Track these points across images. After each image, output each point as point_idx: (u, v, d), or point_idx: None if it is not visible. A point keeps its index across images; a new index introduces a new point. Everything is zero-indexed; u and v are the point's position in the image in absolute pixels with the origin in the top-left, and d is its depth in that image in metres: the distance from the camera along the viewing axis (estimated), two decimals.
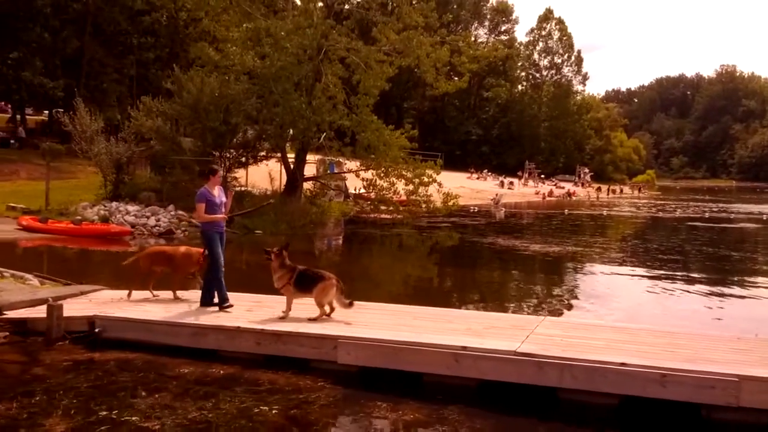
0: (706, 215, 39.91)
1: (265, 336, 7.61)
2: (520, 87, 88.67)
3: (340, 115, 23.96)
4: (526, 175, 69.25)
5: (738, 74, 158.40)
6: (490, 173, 67.89)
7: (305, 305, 8.31)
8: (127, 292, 9.61)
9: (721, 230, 30.93)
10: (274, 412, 6.14)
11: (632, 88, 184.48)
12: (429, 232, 25.22)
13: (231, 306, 8.63)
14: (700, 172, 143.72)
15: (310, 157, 28.69)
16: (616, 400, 6.35)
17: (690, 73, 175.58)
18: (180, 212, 21.42)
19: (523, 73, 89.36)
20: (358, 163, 26.30)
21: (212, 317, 8.25)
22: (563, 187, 63.52)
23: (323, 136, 25.41)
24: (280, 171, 27.17)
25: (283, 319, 8.08)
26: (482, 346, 6.88)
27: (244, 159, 25.73)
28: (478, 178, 62.88)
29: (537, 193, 56.00)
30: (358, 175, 26.44)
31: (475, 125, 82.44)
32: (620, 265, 18.50)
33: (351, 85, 25.23)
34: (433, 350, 6.90)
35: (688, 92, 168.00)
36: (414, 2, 27.81)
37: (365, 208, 27.57)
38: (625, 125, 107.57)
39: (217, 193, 8.93)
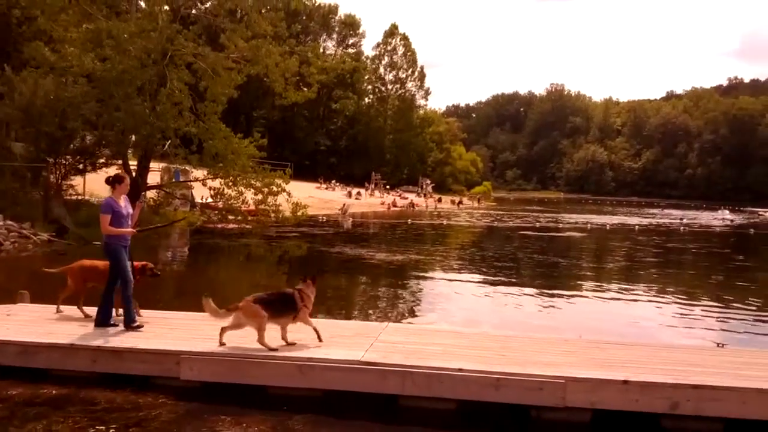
0: (537, 225, 42.48)
1: (103, 353, 7.25)
2: (366, 100, 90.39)
3: (187, 122, 23.27)
4: (373, 186, 70.59)
5: (566, 93, 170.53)
6: (338, 183, 68.59)
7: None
8: None
9: (551, 239, 33.14)
10: (111, 431, 5.91)
11: (470, 104, 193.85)
12: (278, 242, 25.09)
13: (141, 326, 8.05)
14: (531, 184, 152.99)
15: (155, 165, 27.62)
16: (454, 405, 6.67)
17: (523, 91, 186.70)
18: (9, 222, 19.88)
19: (370, 86, 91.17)
20: (205, 172, 25.66)
21: (43, 334, 7.75)
22: (407, 198, 65.29)
23: (168, 144, 24.55)
24: None
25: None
26: (327, 356, 6.99)
27: (81, 166, 24.33)
28: (326, 189, 63.30)
29: (382, 204, 57.18)
30: (205, 184, 25.77)
31: (324, 136, 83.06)
32: (459, 272, 19.36)
33: (198, 91, 24.60)
34: (278, 362, 6.91)
35: (522, 109, 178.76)
36: (263, 11, 27.60)
37: (212, 218, 26.92)
38: (464, 139, 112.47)
39: (124, 203, 8.32)
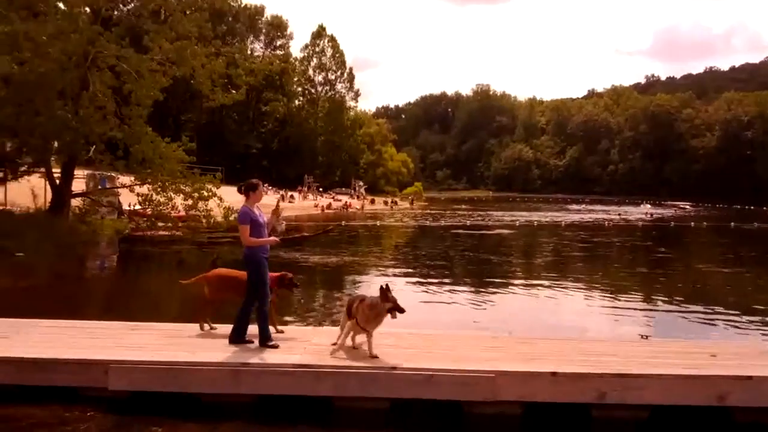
0: (468, 223, 43.12)
1: (25, 365, 6.89)
2: (297, 101, 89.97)
3: (111, 127, 22.67)
4: (306, 189, 70.27)
5: (492, 93, 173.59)
6: (270, 187, 67.95)
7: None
8: None
9: (481, 236, 33.71)
10: None
11: (400, 105, 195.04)
12: (210, 247, 24.63)
13: (277, 345, 7.49)
14: (461, 183, 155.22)
15: (79, 172, 26.76)
16: (388, 404, 6.73)
17: (450, 91, 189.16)
18: None
19: (300, 88, 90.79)
20: (132, 178, 25.01)
21: None
22: (340, 200, 65.30)
23: (93, 149, 23.83)
24: (45, 187, 25.00)
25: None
26: (261, 361, 6.94)
27: (1, 174, 23.37)
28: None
29: (316, 206, 57.01)
30: (132, 191, 25.11)
31: (255, 139, 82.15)
32: (393, 272, 19.45)
33: (122, 94, 23.97)
34: (212, 369, 6.80)
35: (449, 109, 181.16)
36: (187, 12, 27.13)
37: (141, 225, 26.23)
38: (395, 140, 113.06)
39: (258, 212, 7.82)
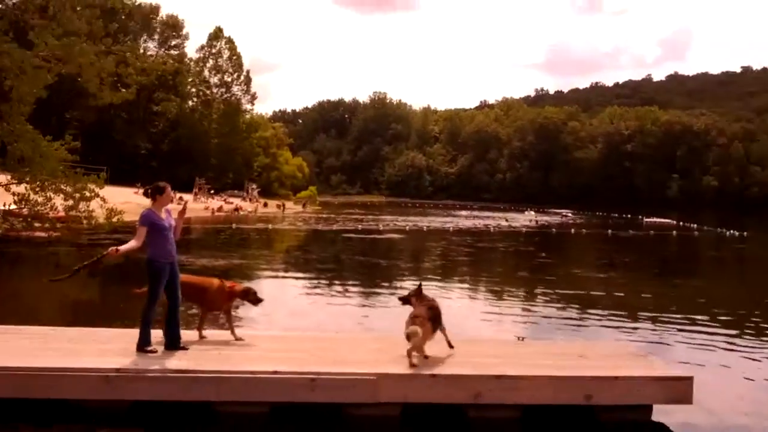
0: (360, 228, 43.39)
1: None
2: (190, 102, 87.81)
3: None
4: (197, 191, 68.56)
5: (388, 101, 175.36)
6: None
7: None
8: None
9: (372, 241, 34.05)
10: None
11: (297, 110, 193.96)
12: (90, 249, 23.68)
13: (155, 351, 7.23)
14: (355, 188, 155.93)
15: None
16: (268, 408, 6.70)
17: (348, 98, 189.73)
18: None
19: (194, 89, 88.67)
20: (8, 177, 23.63)
21: None
22: (232, 203, 64.20)
23: None
24: None
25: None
26: (136, 366, 6.74)
27: None
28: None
29: (207, 209, 55.77)
30: (8, 190, 23.70)
31: (145, 139, 79.54)
32: (283, 275, 19.40)
33: (2, 91, 22.63)
34: (82, 374, 6.53)
35: (346, 115, 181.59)
36: (77, 8, 25.90)
37: (16, 226, 24.79)
38: (291, 144, 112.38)
39: (165, 215, 7.49)
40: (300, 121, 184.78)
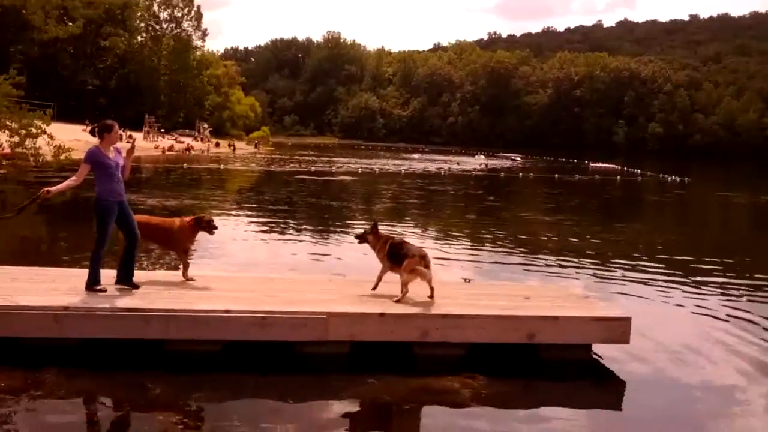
0: (313, 169, 43.29)
1: None
2: (139, 38, 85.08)
3: None
4: (147, 129, 66.98)
5: (342, 41, 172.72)
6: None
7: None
8: None
9: (325, 182, 34.05)
10: None
11: (250, 48, 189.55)
12: (37, 188, 23.09)
13: (104, 290, 7.19)
14: (309, 129, 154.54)
15: None
16: (220, 346, 6.82)
17: (301, 37, 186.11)
18: None
19: (143, 24, 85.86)
20: None
21: None
22: (183, 142, 63.05)
23: None
24: None
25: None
26: (86, 305, 6.74)
27: None
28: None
29: (157, 147, 54.71)
30: None
31: (93, 75, 77.07)
32: (235, 216, 19.34)
33: None
34: (30, 313, 6.49)
35: (300, 55, 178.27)
36: None
37: None
38: (243, 83, 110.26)
39: (113, 154, 7.30)
40: (252, 60, 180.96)
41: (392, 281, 7.82)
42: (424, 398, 6.27)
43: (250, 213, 20.46)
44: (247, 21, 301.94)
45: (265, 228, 17.14)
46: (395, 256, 7.77)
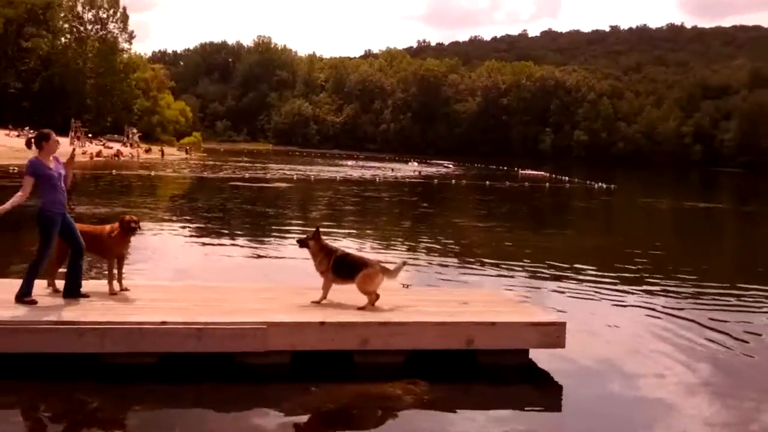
0: (247, 176, 42.87)
1: None
2: (63, 39, 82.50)
3: None
4: (74, 134, 64.90)
5: (273, 46, 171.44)
6: (31, 131, 61.84)
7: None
8: None
9: (259, 189, 33.72)
10: None
11: (178, 51, 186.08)
12: None
13: (35, 302, 6.92)
14: (241, 135, 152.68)
15: None
16: (156, 358, 6.66)
17: (231, 41, 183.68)
18: None
19: (66, 25, 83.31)
20: None
21: None
22: (112, 148, 61.47)
23: None
24: None
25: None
26: (15, 318, 6.49)
27: None
28: (18, 136, 56.82)
29: (85, 153, 53.08)
30: None
31: (14, 78, 74.52)
32: (168, 224, 18.94)
33: None
34: None
35: (230, 59, 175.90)
36: None
37: None
38: (172, 88, 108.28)
39: (54, 164, 7.06)
40: (181, 64, 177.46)
41: (332, 288, 7.81)
42: (366, 405, 6.30)
43: (183, 221, 20.06)
44: (175, 24, 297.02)
45: (199, 236, 16.85)
46: (344, 268, 7.80)
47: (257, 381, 6.68)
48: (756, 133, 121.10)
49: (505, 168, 71.27)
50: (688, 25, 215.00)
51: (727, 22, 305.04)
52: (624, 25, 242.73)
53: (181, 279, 10.76)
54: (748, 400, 7.16)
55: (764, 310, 11.24)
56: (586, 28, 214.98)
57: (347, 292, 7.97)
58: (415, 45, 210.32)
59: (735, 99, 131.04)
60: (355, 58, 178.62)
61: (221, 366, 6.82)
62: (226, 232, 17.90)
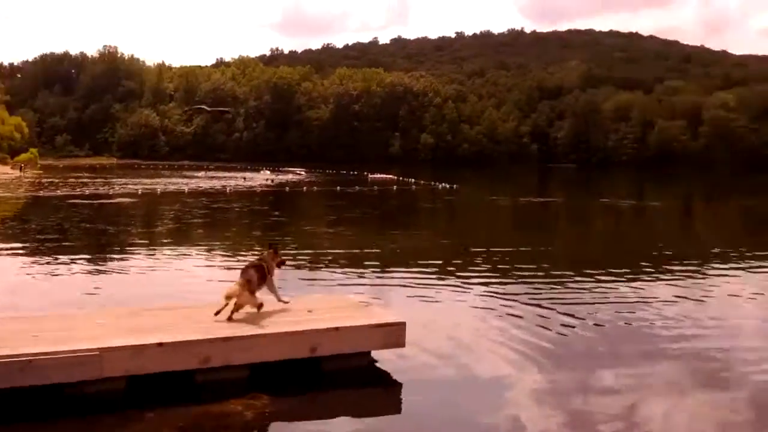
0: (87, 192, 40.69)
1: None
2: None
3: None
4: None
5: (119, 55, 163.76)
6: None
7: None
8: None
9: (100, 206, 32.10)
10: None
11: (15, 63, 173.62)
12: None
13: None
14: (83, 150, 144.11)
15: None
16: None
17: (75, 51, 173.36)
18: None
19: None
20: None
21: None
22: None
23: None
24: None
25: None
26: None
27: None
28: None
29: None
30: None
31: None
32: None
33: None
34: None
35: (73, 70, 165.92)
36: None
37: None
38: (8, 102, 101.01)
39: None
40: (19, 76, 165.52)
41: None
42: (206, 425, 6.21)
43: (12, 245, 18.61)
44: (12, 34, 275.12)
45: (30, 261, 15.76)
46: None
47: (90, 413, 6.41)
48: (586, 130, 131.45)
49: (356, 173, 72.26)
50: (528, 30, 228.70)
51: (563, 27, 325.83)
52: (469, 31, 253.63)
53: (8, 311, 10.06)
54: (567, 378, 7.91)
55: (590, 299, 12.15)
56: (433, 35, 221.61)
57: (193, 308, 7.80)
58: (268, 53, 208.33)
59: (568, 99, 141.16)
60: (206, 66, 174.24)
61: (52, 399, 6.48)
62: (62, 254, 16.78)
